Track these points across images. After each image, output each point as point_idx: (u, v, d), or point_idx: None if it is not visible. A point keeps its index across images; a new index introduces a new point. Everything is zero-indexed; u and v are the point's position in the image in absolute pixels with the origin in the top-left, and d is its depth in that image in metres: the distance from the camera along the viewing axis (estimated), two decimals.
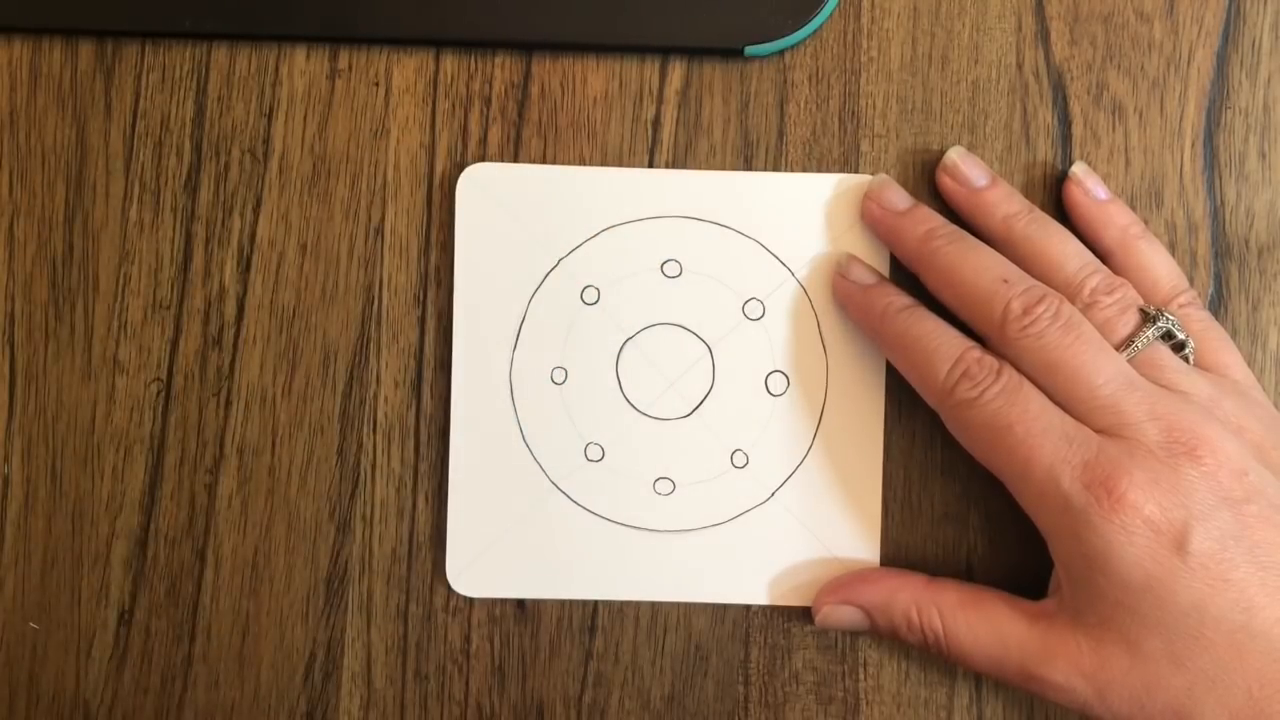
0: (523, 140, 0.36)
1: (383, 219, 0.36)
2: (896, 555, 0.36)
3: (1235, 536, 0.30)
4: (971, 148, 0.36)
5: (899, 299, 0.35)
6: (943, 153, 0.36)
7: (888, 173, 0.36)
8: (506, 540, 0.36)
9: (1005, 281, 0.33)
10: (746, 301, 0.36)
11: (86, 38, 0.37)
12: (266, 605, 0.37)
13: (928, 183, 0.37)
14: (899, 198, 0.36)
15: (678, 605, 0.36)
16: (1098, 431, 0.31)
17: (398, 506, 0.36)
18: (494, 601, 0.36)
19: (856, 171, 0.37)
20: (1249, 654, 0.29)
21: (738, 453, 0.36)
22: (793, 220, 0.36)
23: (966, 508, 0.37)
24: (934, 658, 0.36)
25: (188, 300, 0.36)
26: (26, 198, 0.36)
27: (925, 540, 0.36)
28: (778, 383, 0.36)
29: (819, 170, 0.36)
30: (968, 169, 0.36)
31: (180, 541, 0.36)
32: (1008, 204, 0.35)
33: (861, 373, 0.36)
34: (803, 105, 0.36)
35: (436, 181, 0.36)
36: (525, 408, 0.36)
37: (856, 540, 0.36)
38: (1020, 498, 0.32)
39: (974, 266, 0.33)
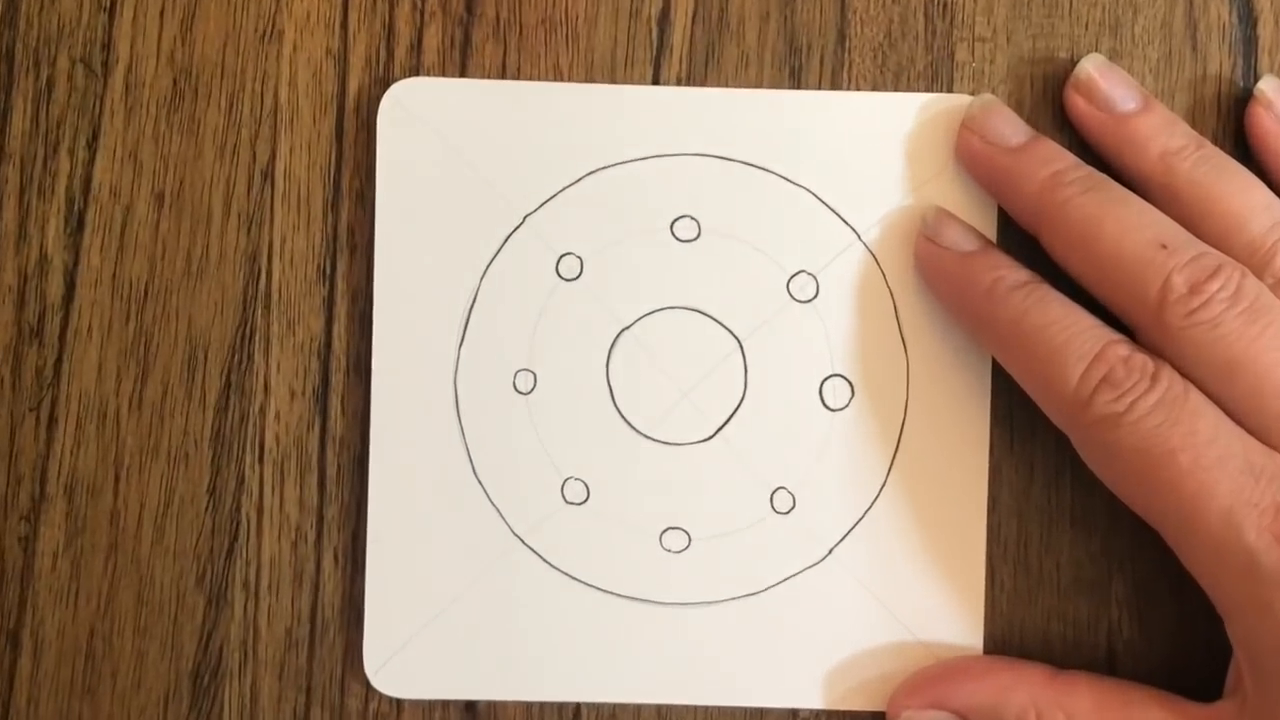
0: (473, 45, 0.35)
1: (273, 158, 0.36)
2: (1007, 638, 0.35)
3: None
4: (1114, 57, 0.35)
5: (1012, 273, 0.33)
6: (1074, 64, 0.35)
7: (994, 92, 0.35)
8: (450, 617, 0.35)
9: (1164, 247, 0.31)
10: (793, 276, 0.35)
11: None
12: (107, 709, 0.36)
13: (1052, 107, 0.35)
14: (1011, 128, 0.34)
15: (693, 709, 0.36)
16: None
17: (294, 569, 0.35)
18: (431, 704, 0.35)
19: (949, 90, 0.35)
20: None
21: (780, 492, 0.35)
22: (858, 160, 0.35)
23: (1107, 571, 0.35)
24: None
25: None
26: None
27: (1048, 617, 0.35)
28: (838, 392, 0.35)
29: (895, 88, 0.35)
30: (1110, 87, 0.34)
31: None
32: (1167, 136, 0.34)
33: (957, 378, 0.35)
34: None
35: (349, 105, 0.36)
36: (477, 428, 0.35)
37: (950, 617, 0.35)
38: (1185, 555, 0.31)
39: (1120, 225, 0.32)
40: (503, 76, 0.36)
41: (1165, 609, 0.35)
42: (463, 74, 0.36)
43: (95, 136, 0.36)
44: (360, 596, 0.35)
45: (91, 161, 0.36)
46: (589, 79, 0.36)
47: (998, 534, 0.35)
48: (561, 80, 0.36)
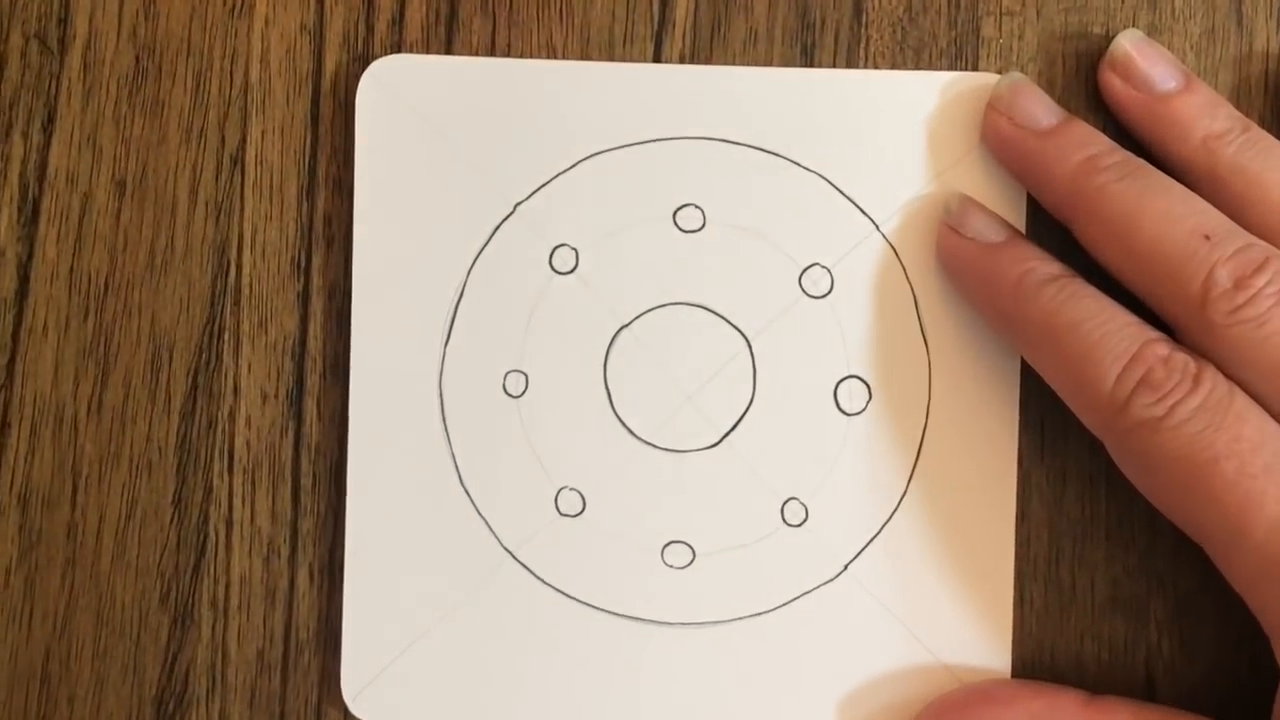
0: (459, 20, 0.35)
1: (243, 143, 0.36)
2: (1037, 661, 0.35)
3: None
4: (1153, 32, 0.35)
5: (1042, 265, 0.32)
6: (1109, 40, 0.35)
7: (1023, 71, 0.35)
8: (435, 638, 0.35)
9: (1207, 238, 0.31)
10: (805, 270, 0.35)
11: None
12: None
13: (1086, 87, 0.35)
14: (1042, 109, 0.34)
15: None
16: None
17: (266, 587, 0.35)
18: None
19: (974, 69, 0.35)
20: None
21: (791, 503, 0.35)
22: (876, 144, 0.35)
23: (1145, 589, 0.35)
24: None
25: None
26: None
27: (1082, 638, 0.35)
28: (854, 395, 0.35)
29: (916, 67, 0.35)
30: (1148, 65, 0.34)
31: None
32: (1210, 118, 0.33)
33: (983, 379, 0.35)
34: None
35: (325, 85, 0.36)
36: (464, 433, 0.35)
37: (975, 638, 0.35)
38: (1229, 570, 0.30)
39: (1159, 214, 0.31)
40: (492, 54, 0.35)
41: (1208, 629, 0.35)
42: (448, 51, 0.35)
43: (51, 119, 0.36)
44: (337, 616, 0.35)
45: (47, 146, 0.35)
46: (585, 56, 0.35)
47: (1027, 548, 0.35)
48: (555, 58, 0.35)
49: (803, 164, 0.35)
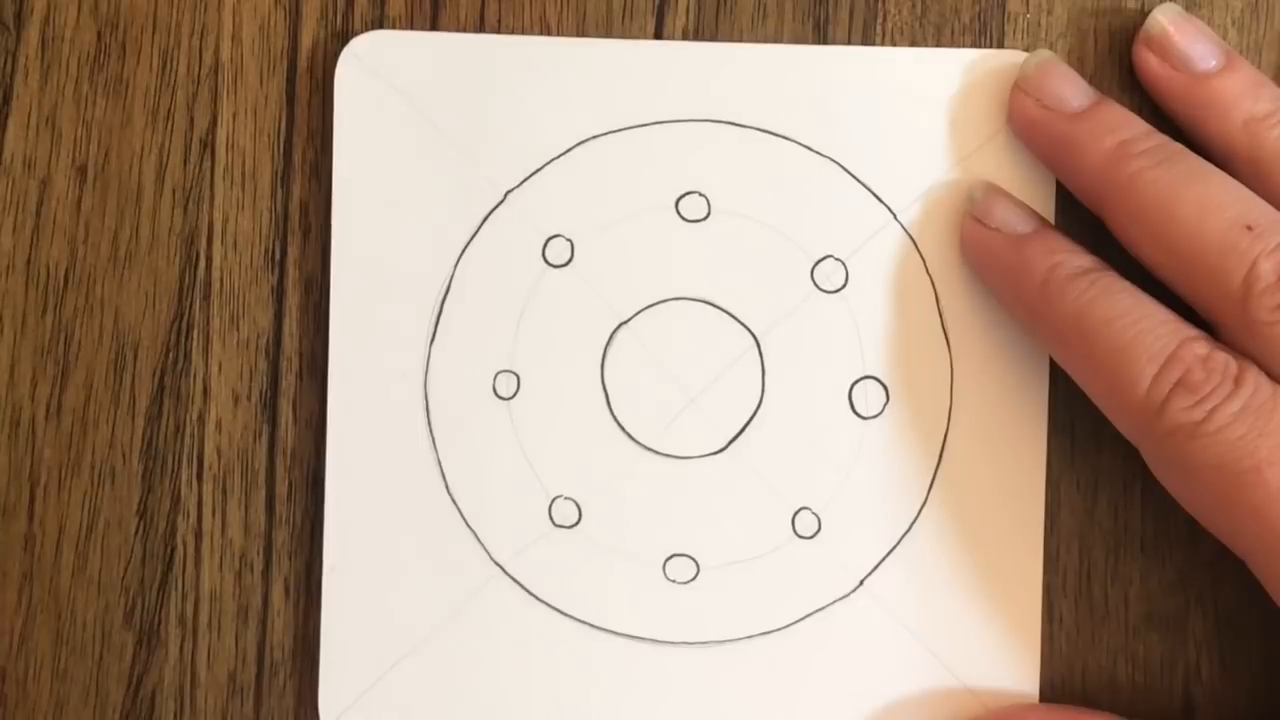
0: None
1: (213, 125, 0.36)
2: (1067, 683, 0.35)
3: None
4: (1191, 6, 0.35)
5: (1072, 258, 0.32)
6: (1145, 14, 0.34)
7: (1052, 48, 0.35)
8: (419, 658, 0.35)
9: (1249, 229, 0.30)
10: (819, 262, 0.34)
11: None
12: None
13: (1120, 65, 0.35)
14: (1072, 90, 0.33)
15: None
16: None
17: (238, 603, 0.35)
18: None
19: (999, 46, 0.35)
20: None
21: (803, 513, 0.34)
22: (894, 127, 0.35)
23: (1184, 605, 0.35)
24: None
25: None
26: None
27: (1116, 657, 0.35)
28: (870, 397, 0.35)
29: (937, 43, 0.35)
30: (1187, 42, 0.33)
31: None
32: (1253, 99, 0.33)
33: (1009, 380, 0.35)
34: None
35: (302, 63, 0.36)
36: (451, 439, 0.35)
37: (1000, 660, 0.35)
38: (1273, 586, 0.30)
39: (1197, 203, 0.31)
40: (481, 30, 0.35)
41: (1252, 648, 0.35)
42: (433, 28, 0.35)
43: (6, 100, 0.35)
44: (315, 635, 0.34)
45: (2, 128, 0.35)
46: (581, 33, 0.35)
47: (1056, 560, 0.35)
48: (547, 28, 0.35)
49: (815, 148, 0.34)
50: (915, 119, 0.35)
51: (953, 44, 0.35)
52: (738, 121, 0.35)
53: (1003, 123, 0.34)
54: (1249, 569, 0.31)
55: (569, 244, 0.35)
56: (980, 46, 0.35)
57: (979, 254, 0.34)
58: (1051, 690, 0.35)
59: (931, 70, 0.35)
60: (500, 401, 0.35)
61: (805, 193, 0.34)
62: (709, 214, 0.34)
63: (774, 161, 0.35)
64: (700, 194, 0.34)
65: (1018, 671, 0.34)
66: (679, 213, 0.34)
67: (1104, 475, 0.35)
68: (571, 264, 0.35)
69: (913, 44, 0.35)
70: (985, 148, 0.35)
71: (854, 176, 0.34)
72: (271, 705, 0.35)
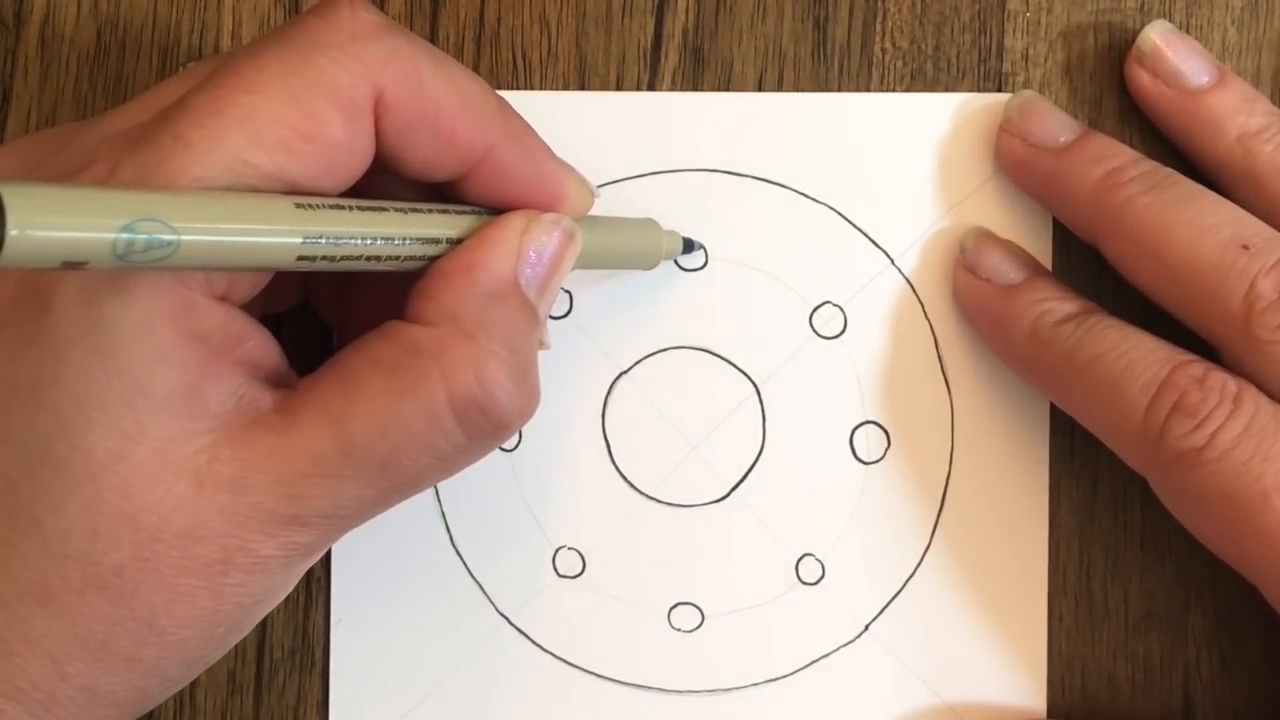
0: (438, 42, 0.35)
1: None
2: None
3: None
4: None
5: (1060, 305, 0.32)
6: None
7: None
8: (427, 710, 0.35)
9: (1245, 248, 0.30)
10: (817, 309, 0.35)
11: None
12: None
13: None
14: (1056, 125, 0.33)
15: None
16: None
17: (238, 652, 0.35)
18: None
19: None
20: None
21: (806, 560, 0.35)
22: (890, 172, 0.35)
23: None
24: None
25: None
26: None
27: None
28: (871, 442, 0.35)
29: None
30: (1179, 58, 0.33)
31: None
32: (1246, 115, 0.33)
33: (1009, 423, 0.35)
34: None
35: None
36: (454, 491, 0.35)
37: (1008, 703, 0.35)
38: None
39: (1191, 226, 0.31)
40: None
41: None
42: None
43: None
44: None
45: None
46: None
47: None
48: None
49: (811, 195, 0.35)
50: (909, 163, 0.35)
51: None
52: (734, 170, 0.35)
53: (996, 164, 0.34)
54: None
55: (568, 295, 0.35)
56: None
57: (970, 305, 0.34)
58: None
59: (923, 115, 0.35)
60: (502, 453, 0.35)
61: (802, 239, 0.35)
62: (706, 262, 0.35)
63: (770, 209, 0.35)
64: (698, 243, 0.35)
65: (1024, 714, 0.34)
66: (677, 262, 0.35)
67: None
68: (570, 315, 0.35)
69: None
70: (981, 190, 0.35)
71: (851, 223, 0.34)
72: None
